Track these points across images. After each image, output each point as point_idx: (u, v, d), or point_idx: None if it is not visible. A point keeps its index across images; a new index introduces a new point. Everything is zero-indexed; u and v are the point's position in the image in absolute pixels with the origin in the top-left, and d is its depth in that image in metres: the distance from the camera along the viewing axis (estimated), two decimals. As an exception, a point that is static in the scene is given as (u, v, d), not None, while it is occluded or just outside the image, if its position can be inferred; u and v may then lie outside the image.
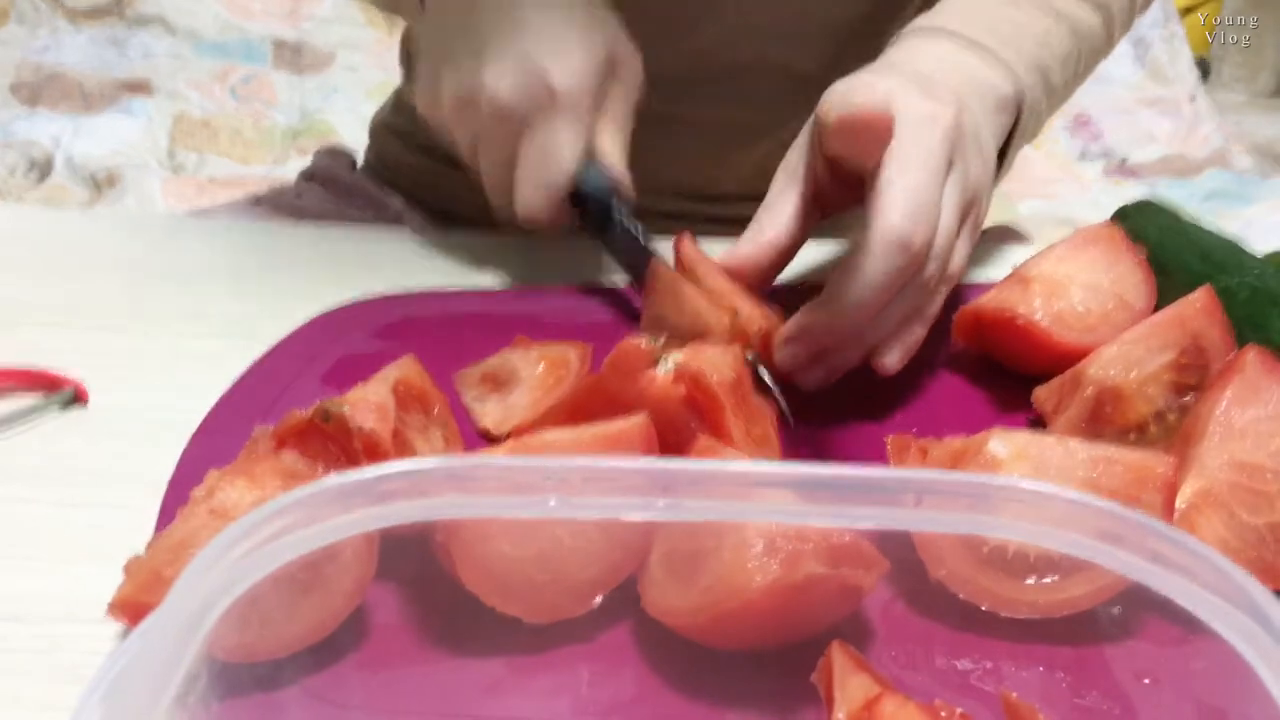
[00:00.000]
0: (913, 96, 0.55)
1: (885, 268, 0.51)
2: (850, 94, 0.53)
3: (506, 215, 0.66)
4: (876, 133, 0.52)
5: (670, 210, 0.79)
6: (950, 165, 0.55)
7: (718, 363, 0.49)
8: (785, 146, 0.60)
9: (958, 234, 0.56)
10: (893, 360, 0.55)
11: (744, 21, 0.78)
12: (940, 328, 0.62)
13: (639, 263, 0.63)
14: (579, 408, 0.48)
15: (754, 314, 0.56)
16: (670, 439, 0.47)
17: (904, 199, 0.52)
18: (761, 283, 0.58)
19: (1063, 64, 0.69)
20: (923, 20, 0.67)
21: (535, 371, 0.57)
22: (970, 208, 0.57)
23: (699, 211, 0.83)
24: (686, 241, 0.61)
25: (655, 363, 0.47)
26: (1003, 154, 0.66)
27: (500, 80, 0.61)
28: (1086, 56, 0.72)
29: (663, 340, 0.48)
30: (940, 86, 0.57)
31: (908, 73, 0.58)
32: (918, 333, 0.56)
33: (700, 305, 0.57)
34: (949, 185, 0.55)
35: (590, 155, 0.64)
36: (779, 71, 0.79)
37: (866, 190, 0.53)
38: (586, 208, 0.65)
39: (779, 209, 0.58)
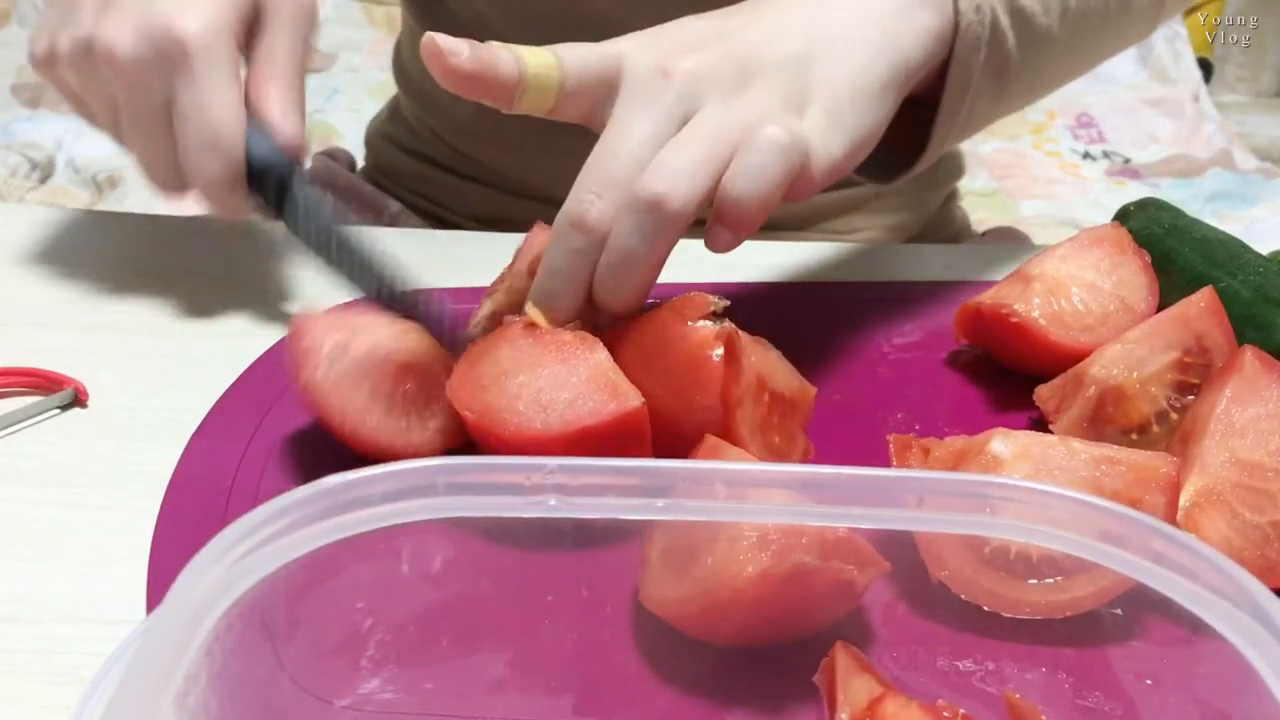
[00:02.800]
0: (647, 50, 0.50)
1: (565, 248, 0.49)
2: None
3: (168, 194, 0.60)
4: (448, 69, 0.48)
5: None
6: (696, 110, 0.50)
7: (777, 368, 0.50)
8: None
9: (711, 154, 0.48)
10: (716, 243, 0.50)
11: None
12: (941, 329, 0.62)
13: (322, 239, 0.58)
14: (619, 342, 0.49)
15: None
16: (679, 409, 0.47)
17: (594, 170, 0.49)
18: None
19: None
20: None
21: None
22: (735, 144, 0.49)
23: None
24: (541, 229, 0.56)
25: (710, 317, 0.48)
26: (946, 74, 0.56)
27: (118, 31, 0.55)
28: (1115, 8, 0.62)
29: (726, 305, 0.48)
30: (745, 20, 0.52)
31: (715, 18, 0.53)
32: (749, 200, 0.48)
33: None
34: (693, 128, 0.49)
35: (257, 119, 0.58)
36: None
37: None
38: (261, 185, 0.58)
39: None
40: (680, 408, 0.47)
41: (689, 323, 0.48)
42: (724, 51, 0.51)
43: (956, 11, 0.55)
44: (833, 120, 0.51)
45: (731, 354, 0.47)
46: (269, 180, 0.58)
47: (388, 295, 0.56)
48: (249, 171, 0.58)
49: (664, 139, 0.49)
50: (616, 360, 0.49)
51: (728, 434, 0.46)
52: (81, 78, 0.58)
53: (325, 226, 0.58)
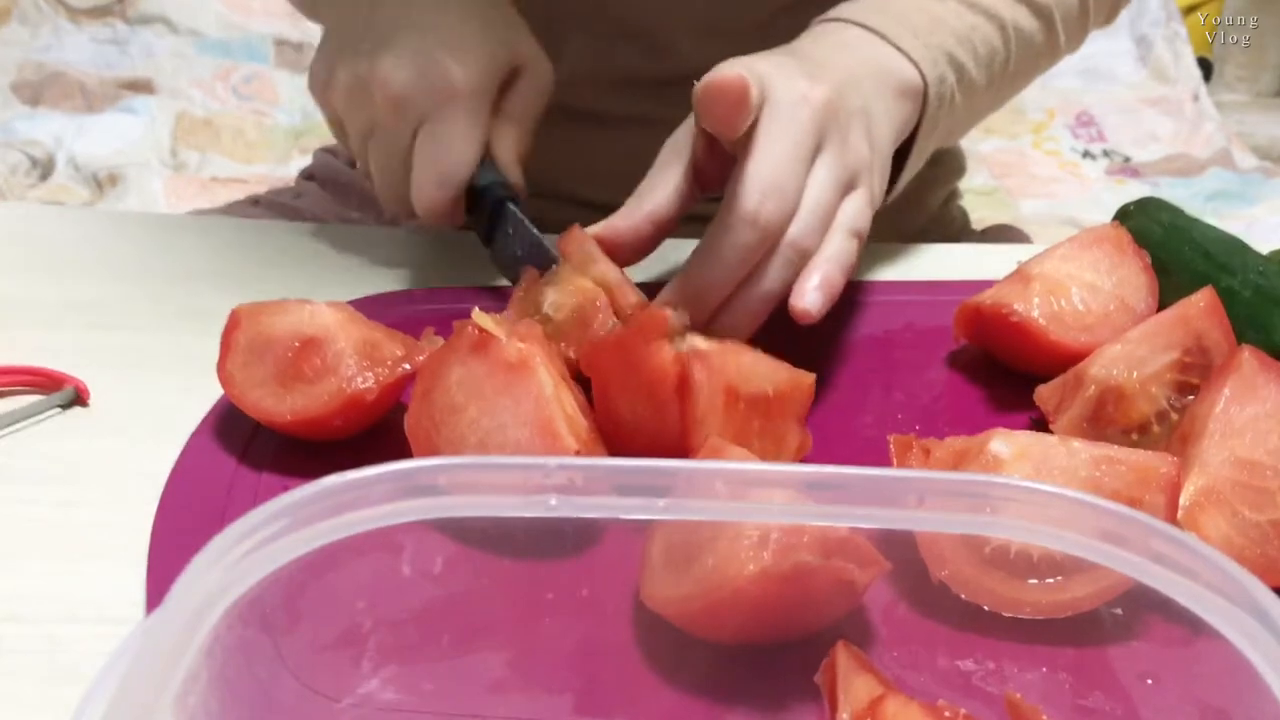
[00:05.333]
0: (787, 77, 0.56)
1: (734, 242, 0.53)
2: (722, 69, 0.54)
3: (394, 210, 0.66)
4: (734, 103, 0.53)
5: None
6: (822, 143, 0.56)
7: (756, 369, 0.49)
8: None
9: (835, 207, 0.56)
10: (808, 303, 0.53)
11: (713, 24, 0.77)
12: (941, 329, 0.62)
13: (536, 262, 0.61)
14: (594, 361, 0.50)
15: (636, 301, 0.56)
16: (652, 425, 0.47)
17: (756, 176, 0.53)
18: (635, 256, 0.58)
19: (986, 63, 0.69)
20: (836, 10, 0.67)
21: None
22: (850, 184, 0.57)
23: None
24: (578, 231, 0.58)
25: (672, 338, 0.48)
26: (911, 144, 0.65)
27: (397, 70, 0.62)
28: (1020, 59, 0.71)
29: (687, 319, 0.49)
30: (823, 68, 0.58)
31: (797, 57, 0.59)
32: (835, 280, 0.54)
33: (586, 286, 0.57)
34: (821, 162, 0.56)
35: (489, 155, 0.65)
36: None
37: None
38: (479, 206, 0.65)
39: (658, 183, 0.58)
40: (654, 425, 0.48)
41: (648, 344, 0.47)
42: (832, 86, 0.57)
43: (925, 101, 0.65)
44: (876, 195, 0.60)
45: (684, 381, 0.47)
46: (485, 207, 0.64)
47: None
48: (473, 194, 0.64)
49: (808, 158, 0.55)
50: (594, 377, 0.49)
51: (690, 456, 0.46)
52: (348, 104, 0.65)
53: (537, 251, 0.62)
